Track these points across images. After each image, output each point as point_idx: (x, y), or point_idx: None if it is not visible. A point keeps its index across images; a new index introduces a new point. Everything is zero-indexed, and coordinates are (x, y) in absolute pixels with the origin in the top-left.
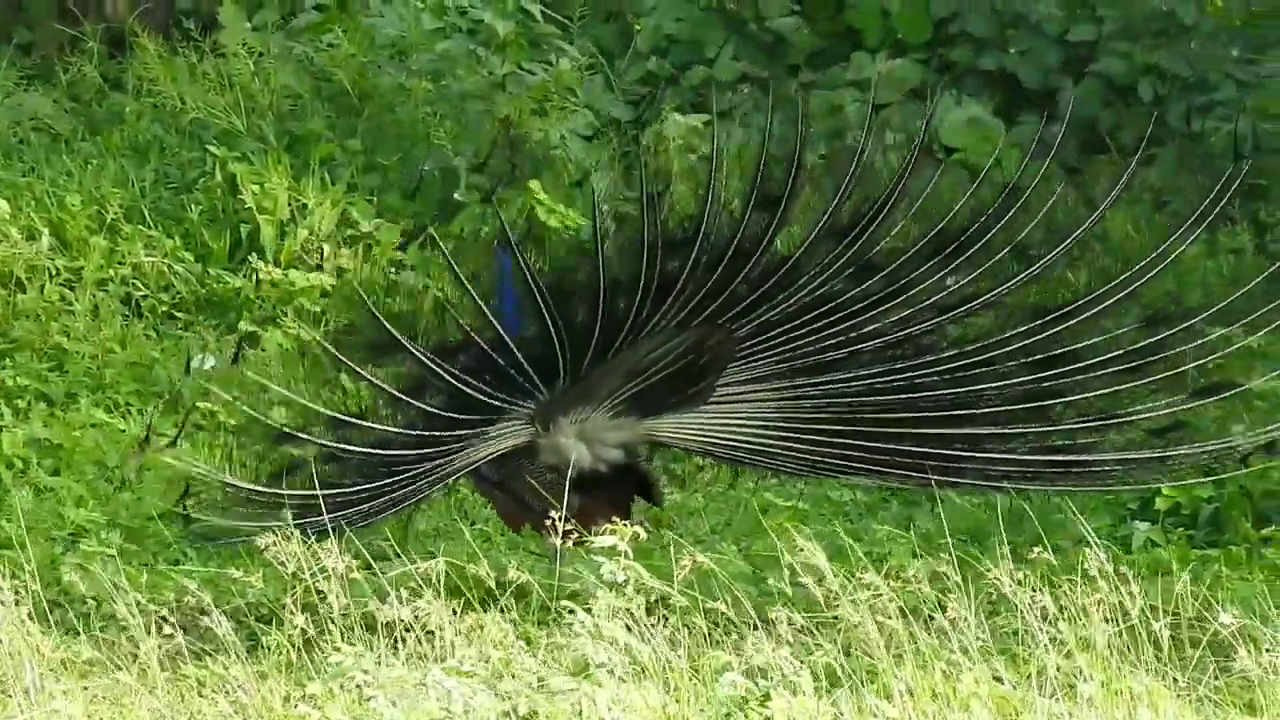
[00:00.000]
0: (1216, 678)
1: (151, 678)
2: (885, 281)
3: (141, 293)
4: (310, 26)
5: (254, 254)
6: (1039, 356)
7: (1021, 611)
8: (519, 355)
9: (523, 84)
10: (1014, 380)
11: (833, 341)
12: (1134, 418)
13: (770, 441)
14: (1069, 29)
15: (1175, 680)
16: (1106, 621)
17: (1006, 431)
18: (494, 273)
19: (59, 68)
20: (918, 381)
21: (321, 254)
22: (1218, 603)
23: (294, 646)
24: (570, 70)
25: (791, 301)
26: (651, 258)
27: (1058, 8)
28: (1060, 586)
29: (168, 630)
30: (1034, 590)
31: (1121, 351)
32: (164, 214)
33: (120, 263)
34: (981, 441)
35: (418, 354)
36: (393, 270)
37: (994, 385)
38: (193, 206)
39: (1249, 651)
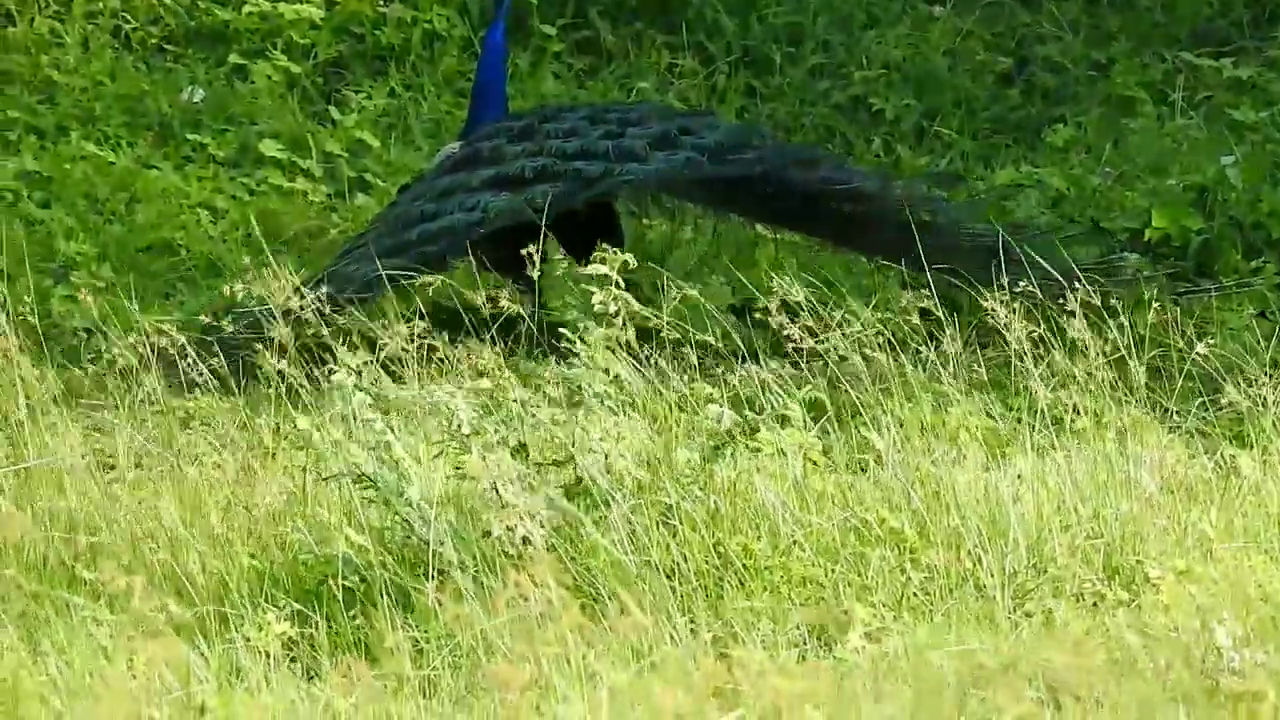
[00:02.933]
0: (1206, 410)
1: (142, 410)
2: None
3: (131, 25)
4: None
5: None
6: None
7: (1011, 344)
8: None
9: None
10: None
11: None
12: None
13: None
14: None
15: (1165, 410)
16: (1091, 353)
17: None
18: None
19: None
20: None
21: None
22: (1207, 335)
23: (282, 379)
24: None
25: None
26: None
27: None
28: (1049, 319)
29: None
30: (1024, 322)
31: None
32: None
33: None
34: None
35: None
36: (381, 2)
37: None
38: None
39: (1237, 384)
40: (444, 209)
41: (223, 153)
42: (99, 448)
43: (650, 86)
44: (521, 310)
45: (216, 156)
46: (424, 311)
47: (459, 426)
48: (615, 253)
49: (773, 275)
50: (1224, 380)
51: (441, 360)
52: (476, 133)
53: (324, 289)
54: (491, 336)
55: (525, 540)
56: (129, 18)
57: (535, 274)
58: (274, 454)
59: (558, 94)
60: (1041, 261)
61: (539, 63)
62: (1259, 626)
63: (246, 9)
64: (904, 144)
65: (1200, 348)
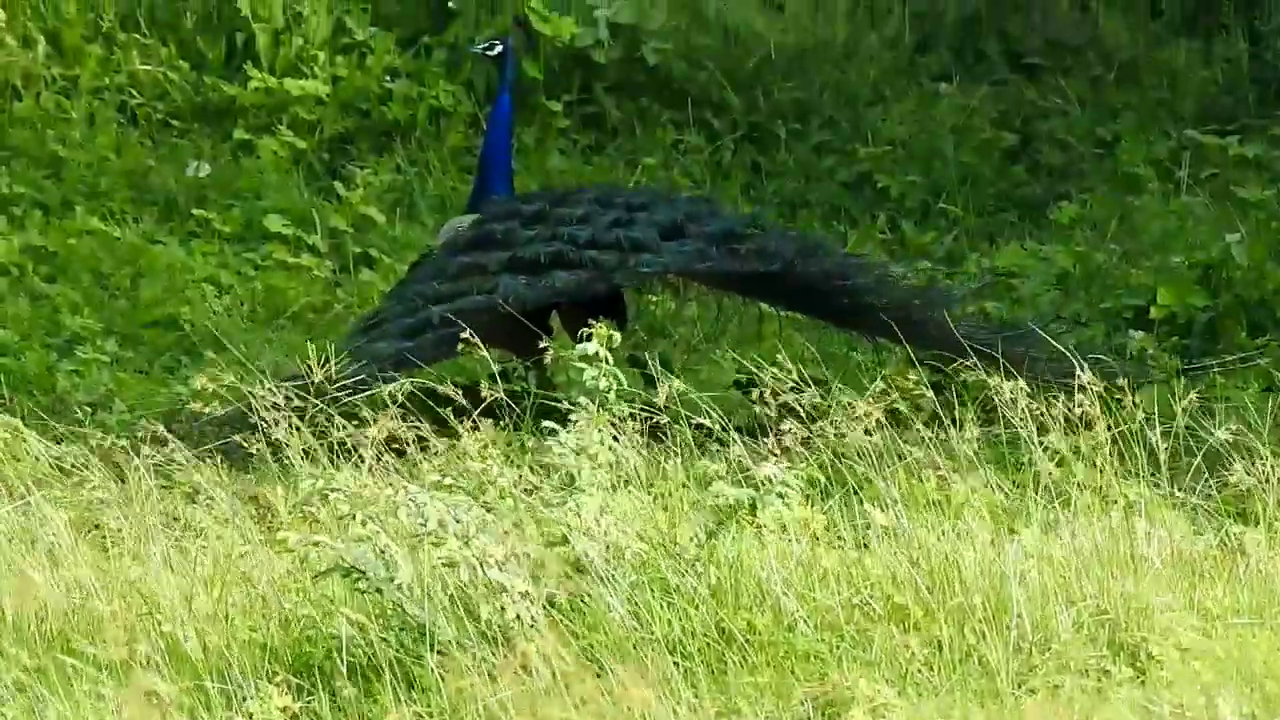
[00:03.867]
0: (1210, 487)
1: (145, 485)
2: None
3: (137, 101)
4: None
5: (249, 62)
6: None
7: (1015, 421)
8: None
9: None
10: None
11: None
12: None
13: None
14: None
15: (1166, 485)
16: (1095, 428)
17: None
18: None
19: None
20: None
21: (316, 62)
22: (1212, 414)
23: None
24: None
25: None
26: None
27: None
28: (1053, 396)
29: (159, 436)
30: (1029, 398)
31: None
32: (160, 22)
33: (116, 71)
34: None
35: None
36: (387, 78)
37: None
38: (188, 14)
39: (1242, 462)
40: (461, 290)
41: (228, 228)
42: (103, 522)
43: (656, 162)
44: (528, 386)
45: (221, 232)
46: (413, 395)
47: (424, 523)
48: (605, 331)
49: (778, 349)
50: (1229, 457)
51: (424, 445)
52: (486, 210)
53: (349, 367)
54: (493, 417)
55: (519, 618)
56: (135, 93)
57: (546, 353)
58: (279, 526)
59: (564, 170)
60: (1017, 376)
61: (545, 138)
62: (1264, 703)
63: (252, 85)
64: (909, 220)
65: (1221, 433)
